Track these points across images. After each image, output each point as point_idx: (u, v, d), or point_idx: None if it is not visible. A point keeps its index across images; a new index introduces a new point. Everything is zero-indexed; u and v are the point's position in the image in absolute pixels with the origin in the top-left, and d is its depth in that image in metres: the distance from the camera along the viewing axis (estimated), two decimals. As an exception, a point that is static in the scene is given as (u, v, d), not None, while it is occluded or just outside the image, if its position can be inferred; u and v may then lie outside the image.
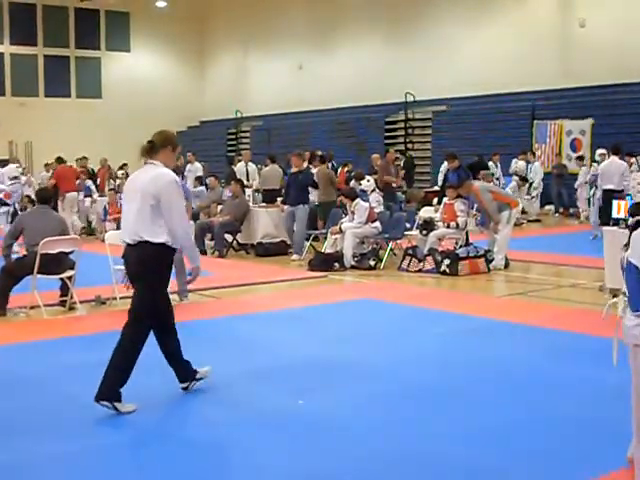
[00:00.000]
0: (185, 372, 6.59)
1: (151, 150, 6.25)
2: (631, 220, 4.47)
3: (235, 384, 6.85)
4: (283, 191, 16.17)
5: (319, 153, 19.22)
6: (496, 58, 26.23)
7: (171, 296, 10.44)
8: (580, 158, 21.86)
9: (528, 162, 22.80)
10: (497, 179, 21.60)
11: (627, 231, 4.55)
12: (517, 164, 22.60)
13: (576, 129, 23.50)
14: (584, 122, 23.22)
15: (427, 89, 27.81)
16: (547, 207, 23.17)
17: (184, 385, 6.58)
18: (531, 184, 22.21)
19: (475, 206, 14.63)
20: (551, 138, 24.02)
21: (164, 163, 6.26)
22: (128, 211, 6.27)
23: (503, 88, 25.56)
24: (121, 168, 26.32)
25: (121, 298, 10.40)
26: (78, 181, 20.91)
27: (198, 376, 6.63)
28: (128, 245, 6.24)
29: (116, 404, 6.01)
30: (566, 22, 24.78)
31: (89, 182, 21.48)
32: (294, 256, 14.94)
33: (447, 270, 12.88)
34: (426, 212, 15.55)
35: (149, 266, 6.16)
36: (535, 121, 24.55)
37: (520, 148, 23.35)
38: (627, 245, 4.43)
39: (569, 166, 22.78)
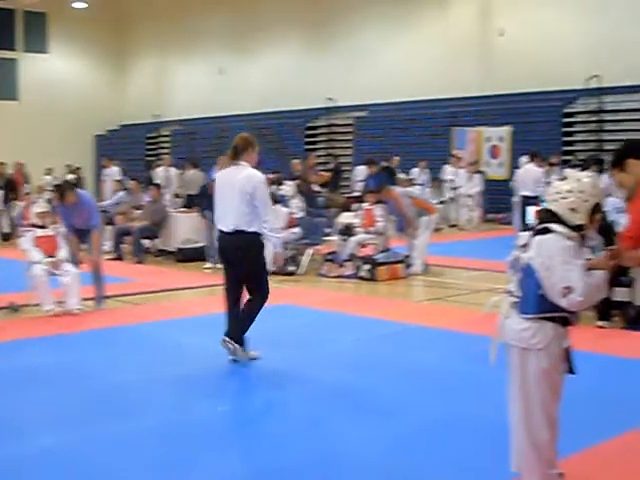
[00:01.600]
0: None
1: (236, 154, 7.55)
2: (538, 224, 4.41)
3: (152, 390, 6.76)
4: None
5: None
6: (417, 64, 26.48)
7: (87, 302, 10.43)
8: (473, 164, 22.20)
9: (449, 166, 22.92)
10: (421, 185, 21.71)
11: (529, 233, 4.46)
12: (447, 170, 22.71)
13: (495, 136, 23.83)
14: (503, 129, 23.57)
15: (348, 94, 27.94)
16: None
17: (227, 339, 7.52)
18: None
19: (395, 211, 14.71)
20: (470, 145, 24.31)
21: (248, 162, 7.55)
22: (224, 204, 7.47)
23: (424, 94, 25.82)
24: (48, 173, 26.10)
25: (34, 305, 10.20)
26: None
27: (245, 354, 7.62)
28: (225, 233, 7.47)
29: (239, 347, 7.51)
30: (486, 31, 25.15)
31: None
32: (208, 264, 14.64)
33: (366, 275, 12.95)
34: (346, 217, 15.61)
35: (251, 249, 7.45)
36: (454, 127, 24.82)
37: (440, 154, 23.59)
38: (524, 246, 4.37)
39: (488, 172, 23.03)
